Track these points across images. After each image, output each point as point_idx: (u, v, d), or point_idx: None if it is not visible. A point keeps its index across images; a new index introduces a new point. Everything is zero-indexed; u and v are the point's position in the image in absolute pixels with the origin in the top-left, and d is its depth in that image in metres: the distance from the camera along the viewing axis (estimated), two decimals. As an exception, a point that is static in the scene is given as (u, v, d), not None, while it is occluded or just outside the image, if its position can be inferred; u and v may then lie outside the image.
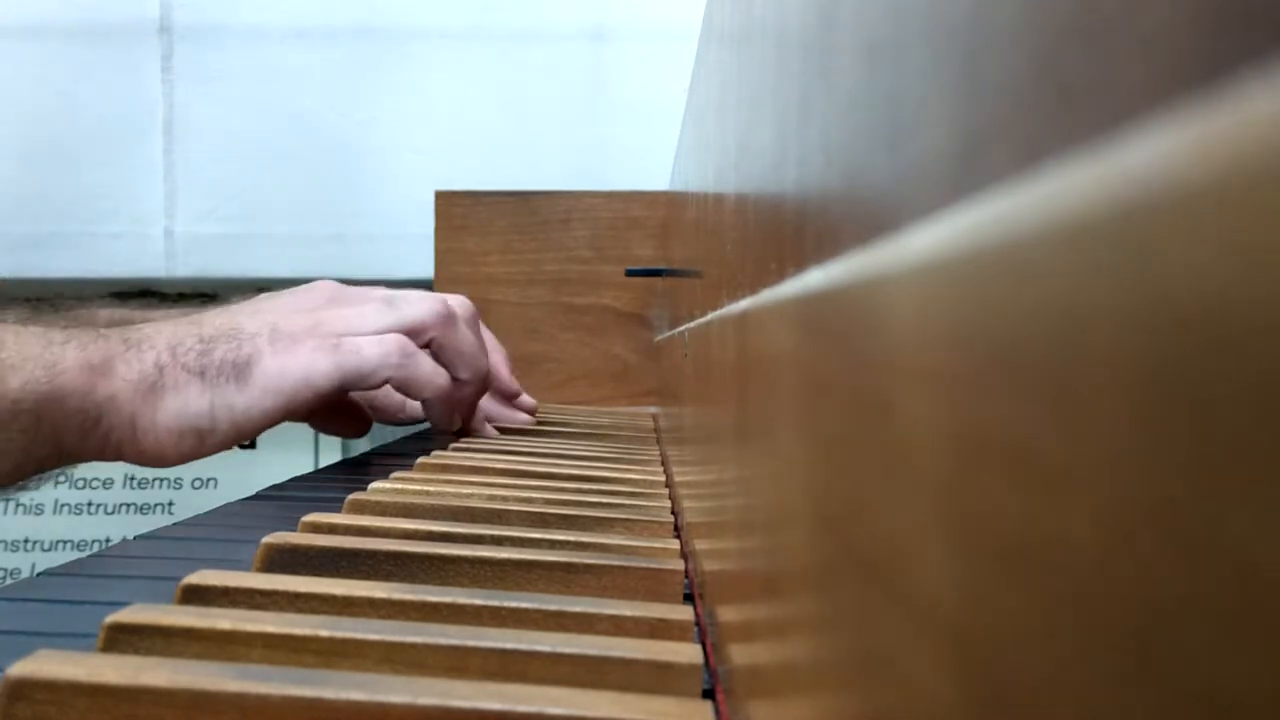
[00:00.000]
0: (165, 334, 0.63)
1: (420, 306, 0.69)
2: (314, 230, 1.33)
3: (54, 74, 1.35)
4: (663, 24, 1.31)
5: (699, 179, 0.60)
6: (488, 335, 0.87)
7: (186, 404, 0.62)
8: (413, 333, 0.68)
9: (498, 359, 0.88)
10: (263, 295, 0.71)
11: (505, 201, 1.22)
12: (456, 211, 1.22)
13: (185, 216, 1.34)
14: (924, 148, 0.13)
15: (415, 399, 0.70)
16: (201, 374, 0.62)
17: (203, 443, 0.63)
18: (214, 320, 0.65)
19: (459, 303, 0.85)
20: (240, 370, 0.63)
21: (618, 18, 1.34)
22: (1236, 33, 0.07)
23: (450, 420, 0.72)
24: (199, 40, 1.35)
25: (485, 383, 0.74)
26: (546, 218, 1.22)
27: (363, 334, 0.66)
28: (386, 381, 0.66)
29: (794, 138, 0.22)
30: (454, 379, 0.71)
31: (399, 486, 0.51)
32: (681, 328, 0.64)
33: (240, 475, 1.22)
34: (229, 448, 0.64)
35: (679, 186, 0.88)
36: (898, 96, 0.14)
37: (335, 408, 0.74)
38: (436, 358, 0.70)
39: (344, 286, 0.71)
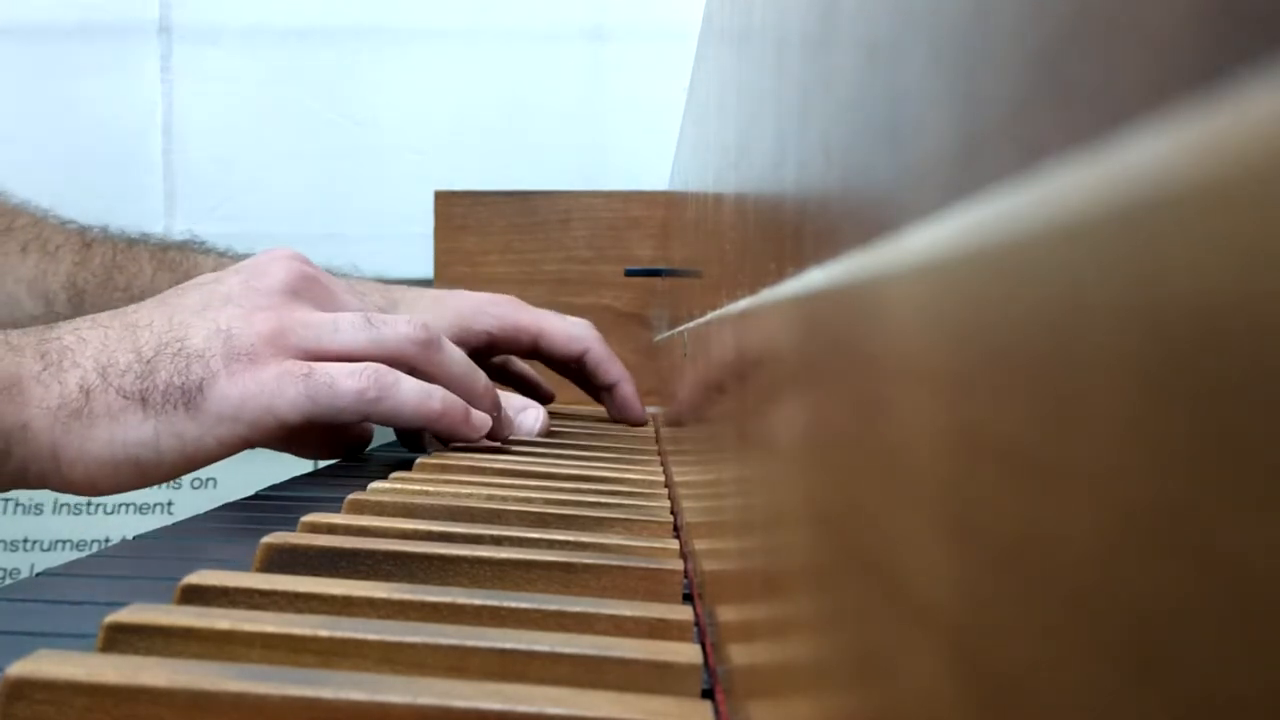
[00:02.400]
0: (93, 347, 0.54)
1: (400, 330, 0.60)
2: (313, 230, 1.33)
3: (53, 74, 1.35)
4: (662, 24, 1.31)
5: (699, 179, 0.60)
6: (615, 361, 0.86)
7: (125, 432, 0.53)
8: (391, 361, 0.59)
9: (628, 389, 0.86)
10: (205, 278, 0.60)
11: (505, 201, 1.22)
12: (456, 211, 1.22)
13: (185, 216, 1.34)
14: (924, 148, 0.13)
15: (406, 430, 0.62)
16: (143, 400, 0.53)
17: (144, 474, 0.55)
18: (152, 325, 0.55)
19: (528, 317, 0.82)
20: (190, 396, 0.54)
21: (617, 17, 1.34)
22: (1236, 33, 0.07)
23: (468, 430, 0.62)
24: (198, 40, 1.35)
25: (482, 402, 0.64)
26: (546, 218, 1.21)
27: (334, 351, 0.57)
28: (364, 419, 0.58)
29: (794, 138, 0.22)
30: None
31: (399, 486, 0.51)
32: (681, 328, 0.64)
33: (240, 475, 1.22)
34: (175, 478, 0.56)
35: (679, 186, 0.88)
36: (898, 96, 0.14)
37: (324, 431, 0.63)
38: None
39: (305, 266, 0.61)
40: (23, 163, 1.33)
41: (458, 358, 0.63)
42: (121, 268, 0.84)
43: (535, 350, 0.84)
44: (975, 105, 0.11)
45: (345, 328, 0.58)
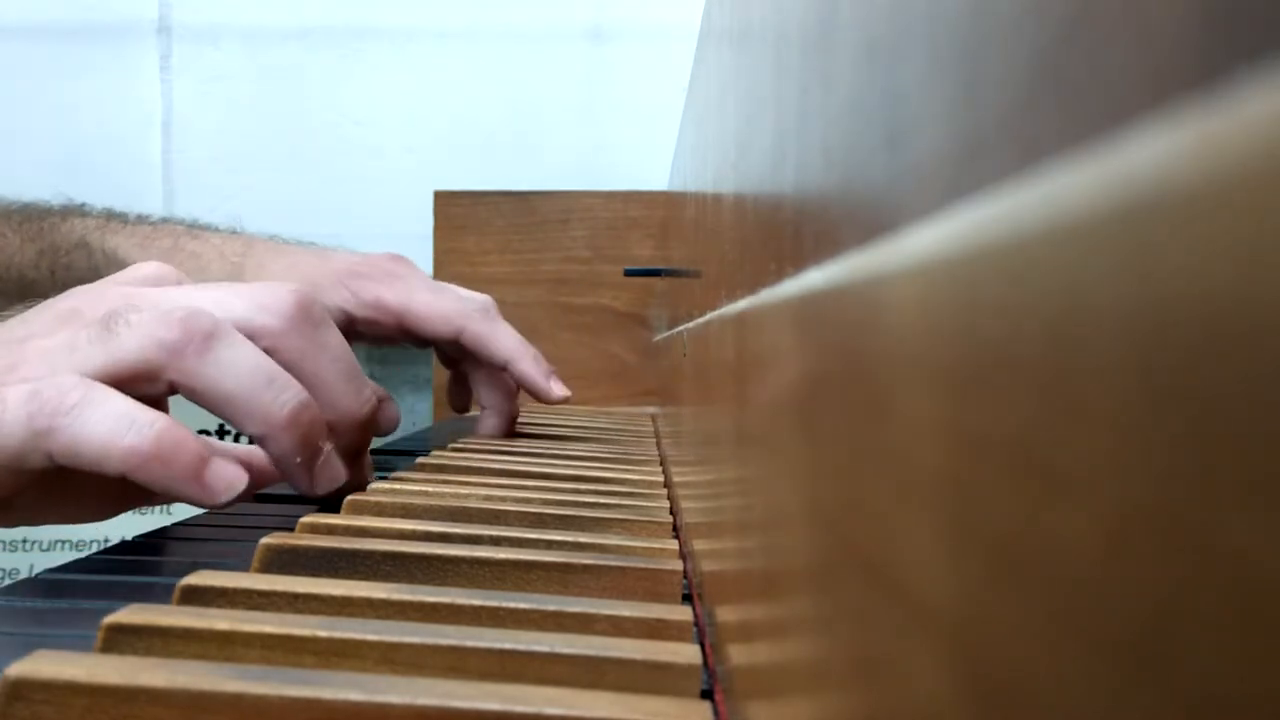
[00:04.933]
0: None
1: (143, 331, 0.43)
2: (313, 230, 1.33)
3: (53, 74, 1.35)
4: (662, 24, 1.31)
5: (698, 179, 0.60)
6: (511, 335, 0.72)
7: None
8: (135, 376, 0.43)
9: (528, 368, 0.72)
10: (46, 304, 0.46)
11: (504, 201, 1.22)
12: (455, 211, 1.22)
13: (185, 216, 1.34)
14: (924, 148, 0.13)
15: (106, 474, 0.41)
16: None
17: None
18: None
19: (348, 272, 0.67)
20: None
21: (616, 18, 1.34)
22: (1236, 33, 0.07)
23: (196, 491, 0.41)
24: (198, 40, 1.35)
25: (281, 439, 0.45)
26: (545, 217, 1.22)
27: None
28: (48, 459, 0.40)
29: (793, 138, 0.22)
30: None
31: (397, 487, 0.51)
32: (680, 328, 0.64)
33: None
34: None
35: (678, 186, 0.88)
36: (897, 96, 0.14)
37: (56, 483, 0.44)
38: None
39: (130, 287, 0.46)
40: (23, 163, 1.33)
41: (241, 364, 0.44)
42: (1, 249, 0.77)
43: (405, 335, 0.71)
44: (975, 105, 0.11)
45: (82, 345, 0.43)
